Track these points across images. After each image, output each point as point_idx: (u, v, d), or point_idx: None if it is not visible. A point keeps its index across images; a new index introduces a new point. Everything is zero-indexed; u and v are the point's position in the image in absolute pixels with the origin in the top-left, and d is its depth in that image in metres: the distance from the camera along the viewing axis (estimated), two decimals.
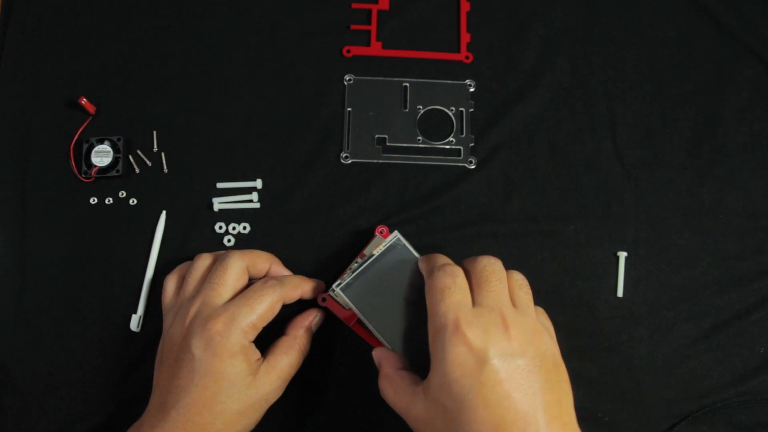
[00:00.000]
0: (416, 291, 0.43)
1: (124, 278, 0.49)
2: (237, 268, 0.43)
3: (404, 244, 0.45)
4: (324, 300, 0.46)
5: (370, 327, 0.43)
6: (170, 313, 0.44)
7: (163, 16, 0.54)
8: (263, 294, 0.42)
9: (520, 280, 0.41)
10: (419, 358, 0.42)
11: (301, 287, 0.45)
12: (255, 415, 0.41)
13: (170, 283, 0.46)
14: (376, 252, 0.44)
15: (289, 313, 0.46)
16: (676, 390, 0.48)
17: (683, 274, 0.50)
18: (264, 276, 0.46)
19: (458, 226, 0.50)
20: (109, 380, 0.47)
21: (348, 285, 0.43)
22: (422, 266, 0.43)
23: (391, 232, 0.46)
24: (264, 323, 0.42)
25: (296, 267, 0.48)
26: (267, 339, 0.43)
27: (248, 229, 0.50)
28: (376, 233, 0.47)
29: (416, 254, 0.44)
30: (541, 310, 0.42)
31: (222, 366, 0.39)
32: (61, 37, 0.53)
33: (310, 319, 0.46)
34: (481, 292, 0.38)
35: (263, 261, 0.46)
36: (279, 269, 0.47)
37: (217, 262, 0.44)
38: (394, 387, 0.40)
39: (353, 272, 0.44)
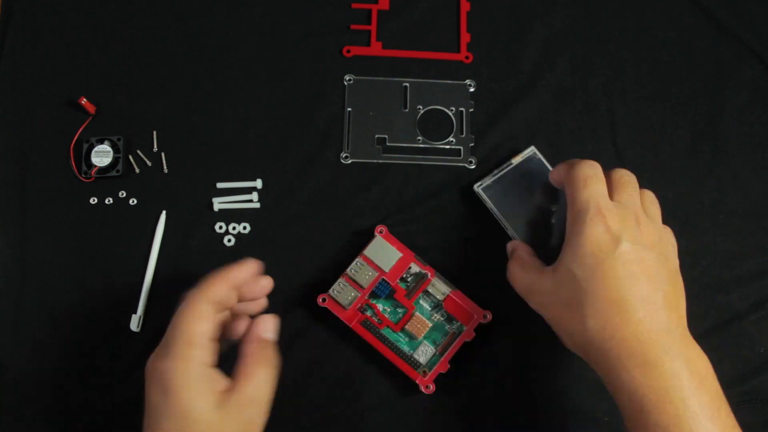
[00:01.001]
0: (545, 196, 0.49)
1: (124, 278, 0.49)
2: (194, 305, 0.38)
3: (539, 158, 0.50)
4: (324, 300, 0.46)
5: (504, 222, 0.49)
6: None
7: (163, 16, 0.54)
8: (182, 311, 0.37)
9: (651, 197, 0.44)
10: (544, 252, 0.45)
11: (226, 278, 0.39)
12: None
13: None
14: (514, 161, 0.50)
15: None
16: None
17: (683, 274, 0.50)
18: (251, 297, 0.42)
19: (458, 226, 0.50)
20: (109, 380, 0.47)
21: (488, 186, 0.49)
22: (561, 167, 0.44)
23: (391, 231, 0.47)
24: (203, 339, 0.37)
25: (296, 267, 0.48)
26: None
27: (248, 229, 0.50)
28: (376, 233, 0.47)
29: (549, 166, 0.50)
30: (668, 229, 0.44)
31: (179, 404, 0.35)
32: (61, 37, 0.53)
33: (258, 328, 0.39)
34: (618, 194, 0.41)
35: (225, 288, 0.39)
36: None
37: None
38: (524, 267, 0.44)
39: (493, 176, 0.50)
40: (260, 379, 0.37)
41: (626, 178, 0.42)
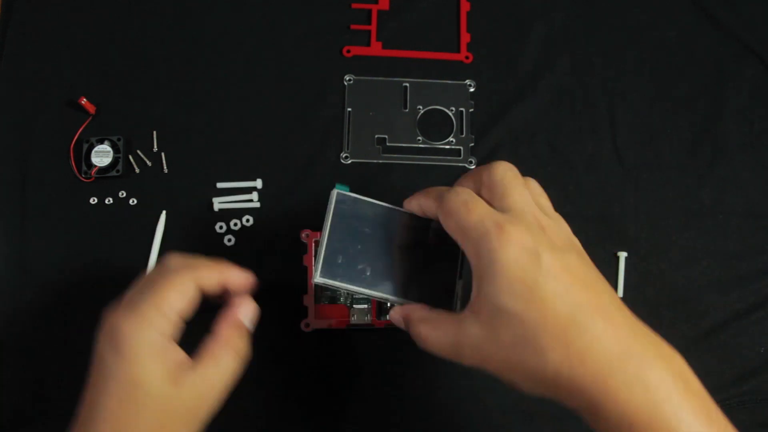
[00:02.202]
0: (394, 234, 0.39)
1: (124, 278, 0.49)
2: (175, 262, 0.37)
3: (353, 197, 0.39)
4: (308, 325, 0.46)
5: (370, 293, 0.38)
6: None
7: (163, 17, 0.54)
8: (168, 276, 0.35)
9: (537, 188, 0.37)
10: (434, 298, 0.38)
11: (219, 270, 0.38)
12: None
13: None
14: (327, 221, 0.38)
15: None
16: None
17: (683, 274, 0.50)
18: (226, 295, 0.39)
19: None
20: None
21: (321, 271, 0.37)
22: (420, 201, 0.38)
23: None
24: (178, 314, 0.35)
25: (296, 267, 0.48)
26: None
27: (251, 221, 0.50)
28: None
29: (373, 200, 0.40)
30: (560, 217, 0.38)
31: (129, 368, 0.33)
32: (61, 37, 0.53)
33: (238, 311, 0.37)
34: (507, 200, 0.34)
35: (212, 274, 0.38)
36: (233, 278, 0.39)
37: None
38: (434, 325, 0.35)
39: (316, 256, 0.38)
40: (226, 363, 0.36)
41: (508, 176, 0.35)
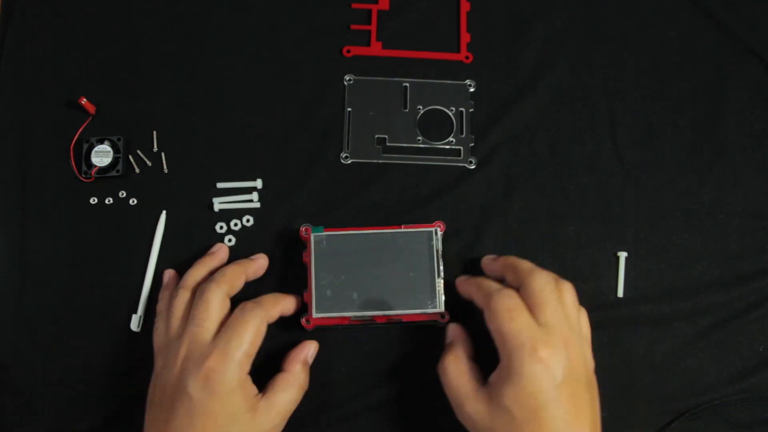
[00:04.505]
0: (370, 256, 0.45)
1: (124, 278, 0.49)
2: (217, 299, 0.43)
3: (327, 235, 0.46)
4: (308, 322, 0.46)
5: (363, 314, 0.45)
6: (161, 355, 0.43)
7: (163, 16, 0.54)
8: (247, 320, 0.42)
9: (570, 297, 0.43)
10: (418, 302, 0.45)
11: (280, 304, 0.45)
12: None
13: (160, 323, 0.45)
14: (311, 259, 0.45)
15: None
16: (674, 387, 0.48)
17: (683, 274, 0.50)
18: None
19: (458, 227, 0.50)
20: (109, 380, 0.47)
21: (316, 308, 0.45)
22: (471, 290, 0.44)
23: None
24: (255, 349, 0.42)
25: (296, 267, 0.48)
26: (263, 375, 0.43)
27: (251, 221, 0.50)
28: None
29: (345, 232, 0.46)
30: (584, 316, 0.44)
31: (220, 404, 0.39)
32: (61, 37, 0.53)
33: (305, 352, 0.45)
34: (543, 313, 0.40)
35: (239, 278, 0.46)
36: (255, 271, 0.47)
37: (196, 297, 0.43)
38: (460, 373, 0.42)
39: (312, 293, 0.45)
40: (291, 395, 0.43)
41: (548, 289, 0.41)
